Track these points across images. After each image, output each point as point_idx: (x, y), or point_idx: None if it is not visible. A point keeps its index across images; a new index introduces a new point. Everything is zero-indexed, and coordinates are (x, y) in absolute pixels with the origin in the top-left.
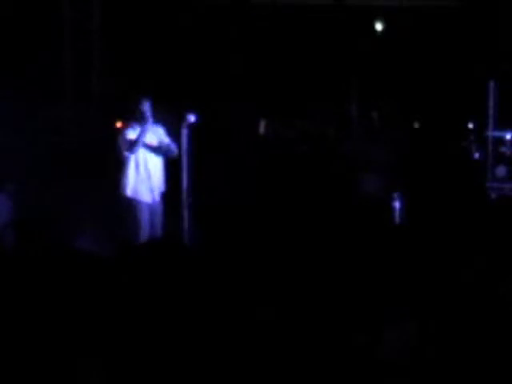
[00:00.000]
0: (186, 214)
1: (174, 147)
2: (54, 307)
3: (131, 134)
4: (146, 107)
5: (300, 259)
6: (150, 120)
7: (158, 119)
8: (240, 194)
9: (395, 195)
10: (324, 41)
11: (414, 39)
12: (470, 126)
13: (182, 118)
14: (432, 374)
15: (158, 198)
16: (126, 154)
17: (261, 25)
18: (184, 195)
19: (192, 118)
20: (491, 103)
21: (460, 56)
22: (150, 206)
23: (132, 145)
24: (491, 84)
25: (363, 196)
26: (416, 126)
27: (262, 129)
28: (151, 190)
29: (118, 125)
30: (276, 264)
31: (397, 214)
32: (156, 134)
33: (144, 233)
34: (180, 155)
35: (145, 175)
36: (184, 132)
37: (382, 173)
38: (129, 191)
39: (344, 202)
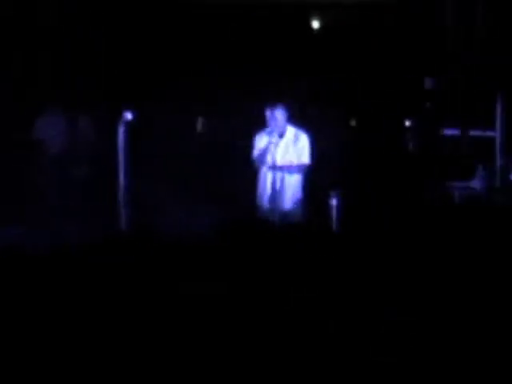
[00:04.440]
0: (123, 212)
1: (305, 165)
2: None
3: (261, 142)
4: (276, 116)
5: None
6: (281, 132)
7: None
8: (178, 191)
9: (333, 193)
10: (258, 39)
11: (351, 36)
12: (407, 123)
13: (119, 116)
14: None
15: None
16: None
17: (198, 23)
18: (121, 193)
19: (129, 116)
20: (430, 101)
21: (397, 53)
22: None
23: (260, 155)
24: (429, 80)
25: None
26: (353, 123)
27: (199, 126)
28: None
29: None
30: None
31: (334, 212)
32: (296, 151)
33: None
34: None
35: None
36: (121, 129)
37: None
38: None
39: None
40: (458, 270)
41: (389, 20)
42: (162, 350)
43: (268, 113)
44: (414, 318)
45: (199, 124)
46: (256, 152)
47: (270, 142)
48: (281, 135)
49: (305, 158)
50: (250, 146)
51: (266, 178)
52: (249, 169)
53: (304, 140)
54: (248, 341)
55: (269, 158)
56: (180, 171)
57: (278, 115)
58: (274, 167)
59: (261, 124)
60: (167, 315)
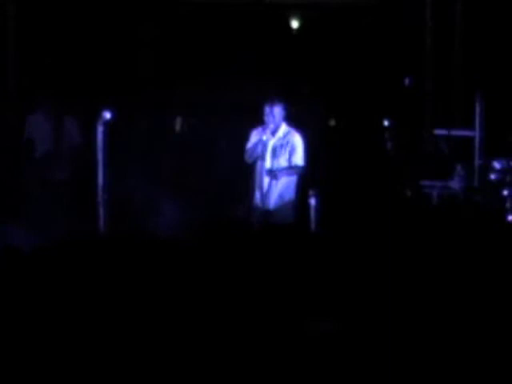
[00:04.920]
0: (101, 210)
1: (299, 167)
2: None
3: (254, 137)
4: (271, 112)
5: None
6: (275, 129)
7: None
8: (156, 191)
9: (312, 193)
10: (241, 38)
11: (330, 37)
12: (386, 123)
13: (98, 115)
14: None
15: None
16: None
17: (177, 22)
18: (99, 192)
19: (108, 115)
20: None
21: (376, 53)
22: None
23: (251, 149)
24: (407, 80)
25: None
26: (332, 123)
27: (177, 126)
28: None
29: None
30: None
31: (313, 211)
32: (287, 147)
33: None
34: (97, 152)
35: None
36: (99, 129)
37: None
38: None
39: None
40: (438, 271)
41: (368, 20)
42: (141, 348)
43: (267, 109)
44: (395, 319)
45: (177, 124)
46: (249, 145)
47: (260, 138)
48: (273, 132)
49: (297, 159)
50: (230, 146)
51: (256, 178)
52: (229, 169)
53: (295, 139)
54: (234, 343)
55: (259, 152)
56: (159, 171)
57: (276, 112)
58: (270, 172)
59: (238, 123)
60: (146, 314)
